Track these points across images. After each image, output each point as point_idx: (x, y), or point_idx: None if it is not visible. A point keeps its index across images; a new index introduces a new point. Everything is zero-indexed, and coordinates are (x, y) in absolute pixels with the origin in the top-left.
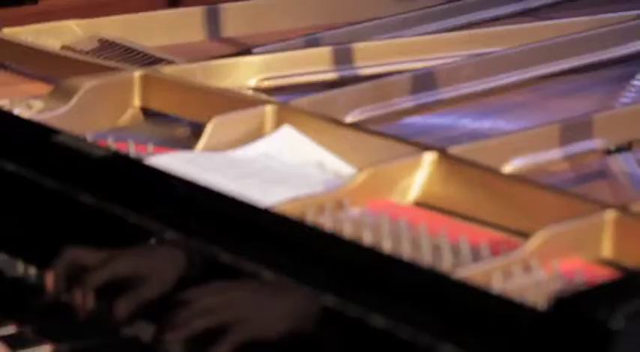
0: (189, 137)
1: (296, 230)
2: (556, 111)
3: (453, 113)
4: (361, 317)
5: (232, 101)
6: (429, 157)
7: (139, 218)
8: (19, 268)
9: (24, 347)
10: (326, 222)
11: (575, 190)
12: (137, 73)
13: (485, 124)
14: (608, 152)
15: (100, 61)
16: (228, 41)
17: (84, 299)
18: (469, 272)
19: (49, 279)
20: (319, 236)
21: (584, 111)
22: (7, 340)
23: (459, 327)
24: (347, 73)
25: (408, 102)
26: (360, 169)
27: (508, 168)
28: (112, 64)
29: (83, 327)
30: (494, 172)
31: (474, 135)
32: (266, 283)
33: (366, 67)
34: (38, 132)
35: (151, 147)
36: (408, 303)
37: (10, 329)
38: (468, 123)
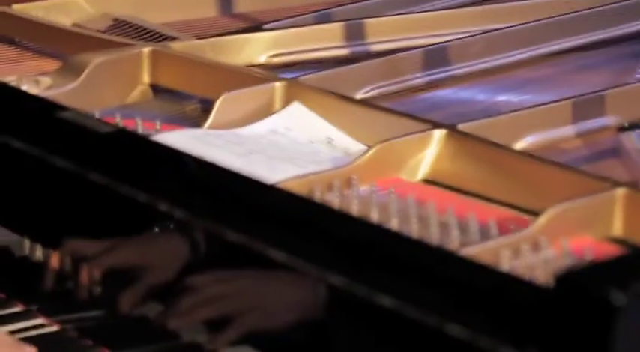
0: (198, 114)
1: (303, 207)
2: (570, 87)
3: (466, 89)
4: (368, 295)
5: (242, 78)
6: (438, 134)
7: (145, 195)
8: (26, 246)
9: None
10: (334, 200)
11: (588, 168)
12: (146, 50)
13: (499, 100)
14: (622, 129)
15: (109, 37)
16: (240, 17)
17: (88, 282)
18: (477, 250)
19: (54, 260)
20: (326, 213)
21: (597, 88)
22: (14, 319)
23: (466, 306)
24: (358, 49)
25: (420, 78)
26: (370, 146)
27: (519, 145)
28: (121, 40)
29: (90, 306)
30: (504, 149)
31: (488, 111)
32: (272, 261)
33: (378, 43)
34: (46, 109)
35: (158, 124)
36: (416, 282)
37: (16, 309)
38: (482, 99)
